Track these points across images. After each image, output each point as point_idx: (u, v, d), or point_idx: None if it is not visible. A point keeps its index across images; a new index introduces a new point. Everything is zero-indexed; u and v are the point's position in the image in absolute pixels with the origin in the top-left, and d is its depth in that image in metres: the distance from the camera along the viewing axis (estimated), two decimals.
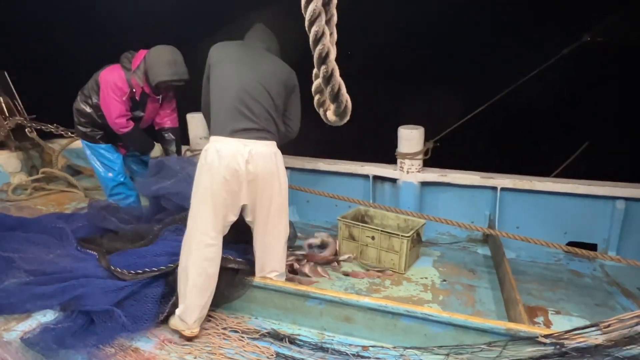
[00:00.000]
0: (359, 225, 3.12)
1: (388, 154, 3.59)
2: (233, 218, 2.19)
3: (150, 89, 3.13)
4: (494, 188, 3.36)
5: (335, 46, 1.19)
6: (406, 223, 3.21)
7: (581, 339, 1.52)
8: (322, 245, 3.22)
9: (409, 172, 3.47)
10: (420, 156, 3.45)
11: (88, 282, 2.23)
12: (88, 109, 3.26)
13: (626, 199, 3.06)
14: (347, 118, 1.43)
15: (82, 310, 2.11)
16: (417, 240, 3.08)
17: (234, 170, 2.06)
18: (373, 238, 3.04)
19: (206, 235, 2.11)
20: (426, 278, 2.90)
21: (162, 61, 3.00)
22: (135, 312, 2.13)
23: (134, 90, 3.12)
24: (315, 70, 1.24)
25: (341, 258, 3.11)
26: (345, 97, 1.31)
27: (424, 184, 3.51)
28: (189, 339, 2.11)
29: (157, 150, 3.47)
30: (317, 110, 1.46)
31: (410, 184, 3.50)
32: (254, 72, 2.20)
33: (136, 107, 3.23)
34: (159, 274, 2.25)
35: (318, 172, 3.80)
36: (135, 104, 3.20)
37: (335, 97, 1.29)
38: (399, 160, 3.50)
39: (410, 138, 3.40)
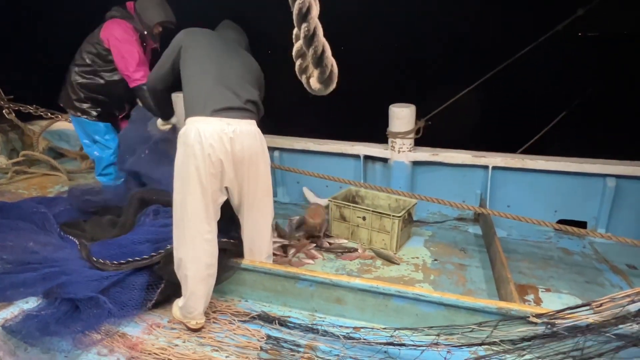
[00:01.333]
0: (349, 205, 3.08)
1: (379, 133, 3.53)
2: (223, 198, 2.11)
3: (148, 34, 3.13)
4: (486, 167, 3.33)
5: (317, 2, 1.02)
6: (397, 203, 3.18)
7: (573, 318, 1.51)
8: (300, 224, 3.23)
9: (400, 151, 3.42)
10: (412, 135, 3.39)
11: (71, 270, 2.16)
12: (86, 78, 3.13)
13: (617, 176, 3.05)
14: (334, 86, 1.22)
15: (66, 297, 2.05)
16: (408, 220, 3.06)
17: (220, 151, 1.96)
18: (364, 218, 3.01)
19: (202, 227, 2.01)
20: (417, 258, 2.89)
21: (154, 4, 3.07)
22: (122, 298, 2.08)
23: (145, 32, 3.09)
24: (295, 30, 1.06)
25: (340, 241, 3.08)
26: (331, 60, 1.13)
27: (416, 163, 3.47)
28: (196, 330, 2.05)
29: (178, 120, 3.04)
30: (299, 78, 1.26)
31: (401, 163, 3.45)
32: (234, 58, 2.20)
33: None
34: (143, 265, 2.18)
35: (308, 152, 3.73)
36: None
37: (319, 60, 1.10)
38: (390, 140, 3.44)
39: (402, 117, 3.33)
